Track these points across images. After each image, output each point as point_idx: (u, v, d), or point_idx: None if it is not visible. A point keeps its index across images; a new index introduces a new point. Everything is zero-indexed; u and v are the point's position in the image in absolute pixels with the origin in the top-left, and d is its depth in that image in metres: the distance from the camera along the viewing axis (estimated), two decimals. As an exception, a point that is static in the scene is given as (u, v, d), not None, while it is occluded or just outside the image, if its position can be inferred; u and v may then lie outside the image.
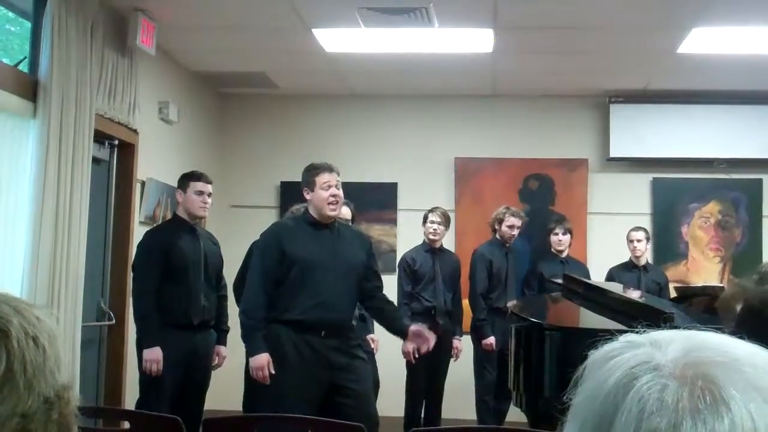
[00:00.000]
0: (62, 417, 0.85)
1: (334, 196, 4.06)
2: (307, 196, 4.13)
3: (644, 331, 0.74)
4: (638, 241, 6.45)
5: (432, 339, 4.23)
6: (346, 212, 5.47)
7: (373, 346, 5.65)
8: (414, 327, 4.23)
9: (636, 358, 0.69)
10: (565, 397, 0.74)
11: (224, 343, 4.98)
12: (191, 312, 4.67)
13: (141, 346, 4.60)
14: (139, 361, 4.62)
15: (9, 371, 0.83)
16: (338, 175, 4.14)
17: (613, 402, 0.67)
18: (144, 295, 4.59)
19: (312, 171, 4.15)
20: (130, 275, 4.97)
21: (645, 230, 6.57)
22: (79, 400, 0.92)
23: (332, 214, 4.10)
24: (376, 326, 5.83)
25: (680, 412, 0.63)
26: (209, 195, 4.87)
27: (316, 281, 4.01)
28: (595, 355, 0.73)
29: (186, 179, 4.86)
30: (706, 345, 0.69)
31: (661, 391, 0.65)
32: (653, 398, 0.64)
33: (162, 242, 4.69)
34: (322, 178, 4.08)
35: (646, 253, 6.56)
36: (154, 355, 4.50)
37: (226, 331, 5.00)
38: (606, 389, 0.68)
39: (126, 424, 3.82)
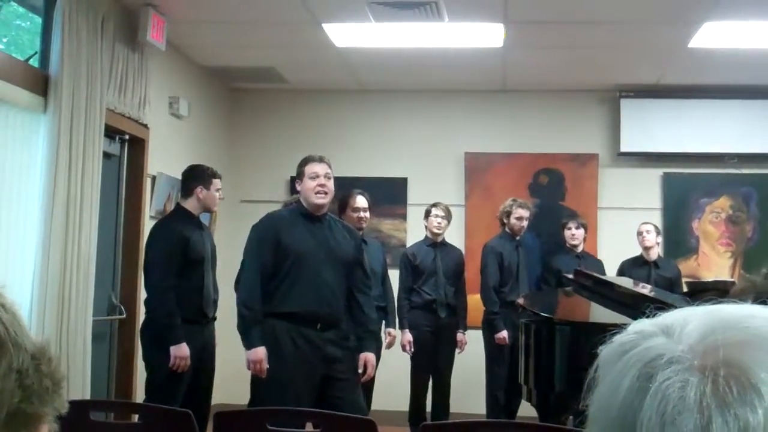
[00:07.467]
0: (52, 368, 0.87)
1: (321, 185, 4.07)
2: (298, 187, 4.17)
3: (655, 314, 0.67)
4: (647, 232, 6.43)
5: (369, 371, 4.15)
6: (362, 201, 5.47)
7: (387, 340, 5.65)
8: (363, 355, 4.13)
9: (649, 352, 0.61)
10: (580, 405, 0.66)
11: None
12: (205, 307, 4.67)
13: (162, 343, 4.47)
14: (155, 360, 4.52)
15: None
16: (329, 167, 4.14)
17: (630, 408, 0.59)
18: (166, 291, 4.50)
19: (302, 162, 4.18)
20: (141, 269, 4.93)
21: (654, 225, 6.55)
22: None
23: (319, 202, 4.09)
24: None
25: (706, 410, 0.56)
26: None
27: (310, 274, 4.00)
28: (605, 352, 0.66)
29: (208, 177, 4.82)
30: (723, 323, 0.62)
31: (682, 388, 0.57)
32: (674, 398, 0.57)
33: (178, 236, 4.62)
34: (310, 168, 4.11)
35: (656, 248, 6.54)
36: (183, 351, 4.45)
37: (215, 319, 4.98)
38: (621, 394, 0.61)
39: (136, 418, 3.85)
